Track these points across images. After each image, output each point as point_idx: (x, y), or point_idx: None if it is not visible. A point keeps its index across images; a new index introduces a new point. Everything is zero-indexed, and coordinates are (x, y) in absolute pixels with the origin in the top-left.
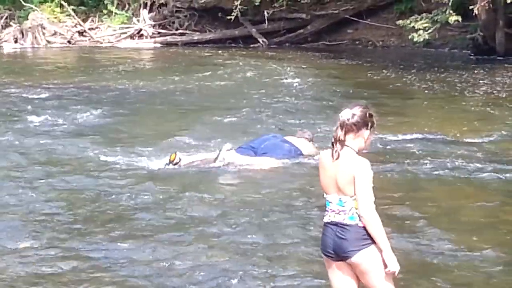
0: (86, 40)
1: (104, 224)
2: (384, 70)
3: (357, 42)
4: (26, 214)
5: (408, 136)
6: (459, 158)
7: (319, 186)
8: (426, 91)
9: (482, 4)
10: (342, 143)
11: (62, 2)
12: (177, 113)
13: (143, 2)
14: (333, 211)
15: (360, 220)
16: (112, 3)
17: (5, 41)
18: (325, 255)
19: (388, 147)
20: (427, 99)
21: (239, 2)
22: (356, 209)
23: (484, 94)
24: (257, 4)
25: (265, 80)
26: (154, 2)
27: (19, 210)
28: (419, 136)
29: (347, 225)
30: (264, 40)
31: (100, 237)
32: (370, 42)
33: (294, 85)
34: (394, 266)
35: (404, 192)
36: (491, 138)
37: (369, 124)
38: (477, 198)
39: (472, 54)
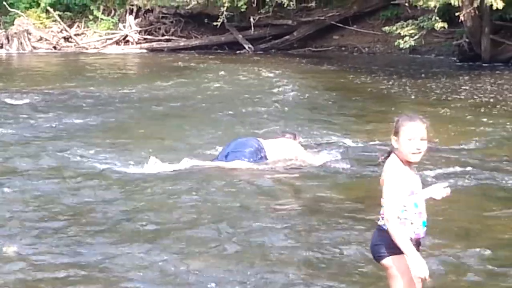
0: (72, 46)
1: (96, 229)
2: (369, 76)
3: (343, 49)
4: (15, 219)
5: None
6: (443, 164)
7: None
8: (411, 97)
9: (468, 10)
10: (391, 146)
11: (48, 8)
12: (163, 119)
13: (129, 8)
14: (380, 214)
15: None
16: (98, 9)
17: None
18: None
19: (371, 153)
20: (412, 105)
21: (225, 8)
22: None
23: (469, 101)
24: (243, 10)
25: (250, 85)
26: (140, 8)
27: (8, 215)
28: None
29: (383, 230)
30: (250, 46)
31: (93, 241)
32: (356, 48)
33: (280, 90)
34: (419, 271)
35: None
36: (476, 145)
37: (395, 129)
38: (461, 203)
39: (458, 61)
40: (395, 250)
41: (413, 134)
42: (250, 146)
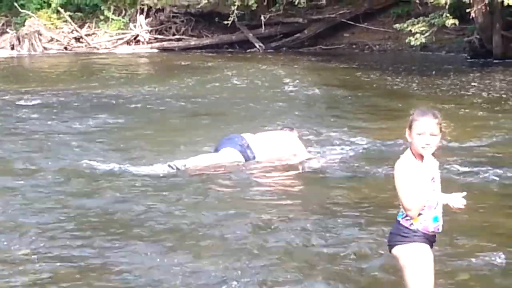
0: (82, 46)
1: (107, 231)
2: (381, 74)
3: (354, 46)
4: (27, 222)
5: (402, 140)
6: (455, 162)
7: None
8: (422, 94)
9: (479, 7)
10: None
11: (59, 9)
12: (175, 119)
13: (140, 8)
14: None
15: (402, 218)
16: (109, 9)
17: (2, 47)
18: None
19: (383, 150)
20: (423, 103)
21: (235, 7)
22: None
23: (481, 97)
24: (253, 9)
25: (261, 84)
26: (150, 7)
27: (19, 217)
28: None
29: (396, 220)
30: (261, 44)
31: (104, 244)
32: (367, 46)
33: (290, 88)
34: (454, 201)
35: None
36: (487, 142)
37: (409, 124)
38: (474, 201)
39: (469, 57)
40: (403, 240)
41: (423, 129)
42: (236, 137)
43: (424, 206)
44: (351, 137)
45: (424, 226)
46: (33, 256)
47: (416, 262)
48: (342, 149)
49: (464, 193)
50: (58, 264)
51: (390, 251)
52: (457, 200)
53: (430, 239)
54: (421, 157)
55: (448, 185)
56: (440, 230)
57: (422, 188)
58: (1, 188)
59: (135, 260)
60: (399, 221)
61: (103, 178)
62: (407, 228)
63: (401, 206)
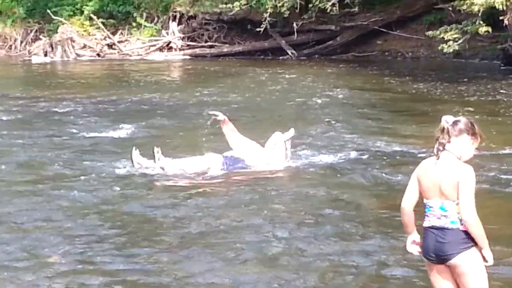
0: (115, 53)
1: (133, 236)
2: (413, 81)
3: (386, 53)
4: (55, 227)
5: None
6: (489, 169)
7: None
8: (456, 102)
9: None
10: (443, 146)
11: (91, 15)
12: (204, 125)
13: (172, 15)
14: (434, 215)
15: (461, 224)
16: (141, 16)
17: (35, 54)
18: (427, 258)
19: (418, 157)
20: (457, 110)
21: (268, 14)
22: (458, 213)
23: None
24: (286, 16)
25: (294, 91)
26: (183, 14)
27: (49, 223)
28: None
29: (448, 229)
30: (293, 52)
31: (130, 249)
32: (399, 53)
33: (323, 95)
34: (491, 261)
35: None
36: None
37: (470, 132)
38: (507, 208)
39: (503, 65)
40: (466, 245)
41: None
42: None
43: None
44: (377, 141)
45: None
46: (62, 262)
47: (482, 265)
48: (365, 152)
49: None
50: (87, 270)
51: (444, 262)
52: None
53: None
54: None
55: (484, 192)
56: None
57: None
58: (34, 192)
59: (162, 266)
60: (457, 228)
61: (136, 183)
62: (465, 232)
63: (464, 212)
